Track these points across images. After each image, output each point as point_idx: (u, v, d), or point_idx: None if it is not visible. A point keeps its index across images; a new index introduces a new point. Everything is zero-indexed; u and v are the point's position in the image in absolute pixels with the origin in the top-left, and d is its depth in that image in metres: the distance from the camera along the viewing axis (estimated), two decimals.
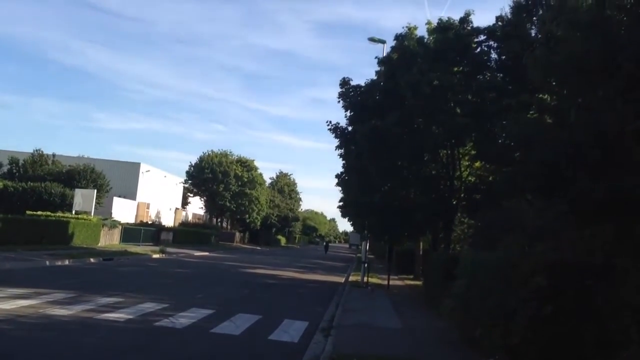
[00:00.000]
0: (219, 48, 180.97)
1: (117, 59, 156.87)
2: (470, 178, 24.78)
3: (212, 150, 75.74)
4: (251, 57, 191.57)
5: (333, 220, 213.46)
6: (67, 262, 24.93)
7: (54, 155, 50.84)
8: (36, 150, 49.79)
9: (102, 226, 40.28)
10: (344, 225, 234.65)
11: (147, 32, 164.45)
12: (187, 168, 74.70)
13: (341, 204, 46.31)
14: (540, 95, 14.43)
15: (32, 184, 41.73)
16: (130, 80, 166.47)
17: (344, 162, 28.02)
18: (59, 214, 37.47)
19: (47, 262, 23.61)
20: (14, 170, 46.79)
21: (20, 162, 47.39)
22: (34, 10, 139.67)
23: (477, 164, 24.09)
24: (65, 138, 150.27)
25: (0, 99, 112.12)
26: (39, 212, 36.16)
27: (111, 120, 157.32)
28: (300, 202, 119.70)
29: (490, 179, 22.89)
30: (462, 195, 23.89)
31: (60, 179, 45.07)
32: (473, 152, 22.91)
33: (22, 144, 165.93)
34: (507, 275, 8.84)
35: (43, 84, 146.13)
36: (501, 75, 20.50)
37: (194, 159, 75.79)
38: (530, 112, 15.55)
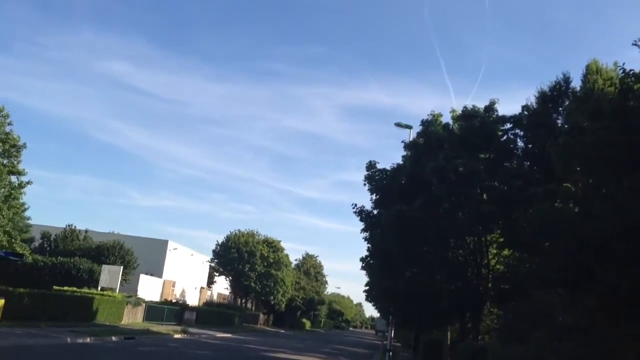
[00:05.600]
0: (249, 129, 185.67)
1: (151, 138, 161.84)
2: (498, 266, 24.23)
3: (239, 230, 76.07)
4: (280, 139, 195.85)
5: (359, 304, 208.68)
6: (88, 340, 24.72)
7: (86, 230, 51.68)
8: (68, 226, 50.73)
9: (126, 304, 40.16)
10: (371, 311, 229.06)
11: (181, 113, 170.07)
12: (214, 247, 74.98)
13: (366, 288, 45.53)
14: (566, 185, 14.30)
15: (61, 259, 42.22)
16: (163, 159, 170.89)
17: (368, 245, 27.81)
18: (85, 289, 37.59)
19: (69, 339, 23.44)
20: (45, 245, 47.56)
21: (52, 237, 48.24)
22: (74, 89, 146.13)
23: (505, 251, 23.61)
24: (98, 214, 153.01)
25: (37, 175, 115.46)
26: (65, 288, 36.33)
27: (143, 198, 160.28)
28: (326, 285, 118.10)
29: (519, 268, 22.36)
30: (489, 284, 23.29)
31: (89, 254, 45.57)
32: (501, 239, 22.52)
33: (57, 220, 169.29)
34: None
35: (79, 161, 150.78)
36: (528, 163, 20.45)
37: (221, 238, 76.11)
38: (557, 201, 15.36)
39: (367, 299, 50.67)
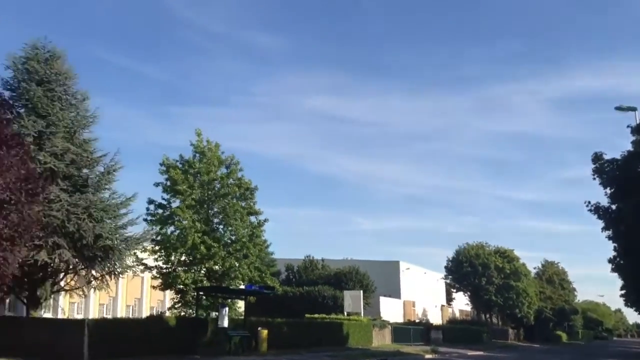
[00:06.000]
0: (455, 139, 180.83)
1: (364, 163, 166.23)
2: None
3: (467, 243, 73.51)
4: (490, 144, 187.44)
5: (619, 311, 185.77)
6: None
7: (322, 260, 54.17)
8: (307, 257, 53.64)
9: (373, 326, 40.64)
10: (635, 316, 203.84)
11: (388, 133, 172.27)
12: (444, 263, 73.32)
13: (623, 292, 39.94)
14: None
15: (306, 288, 44.46)
16: (379, 181, 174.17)
17: (614, 244, 24.61)
18: (333, 315, 38.88)
19: None
20: (290, 276, 50.73)
21: (295, 268, 51.33)
22: (287, 129, 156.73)
23: None
24: (329, 243, 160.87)
25: (270, 213, 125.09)
26: (315, 315, 37.93)
27: (366, 222, 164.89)
28: (575, 293, 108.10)
29: None
30: None
31: (329, 281, 47.43)
32: None
33: (295, 252, 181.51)
34: None
35: (304, 195, 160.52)
36: None
37: (449, 254, 74.27)
38: None
39: (625, 304, 44.91)
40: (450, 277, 72.83)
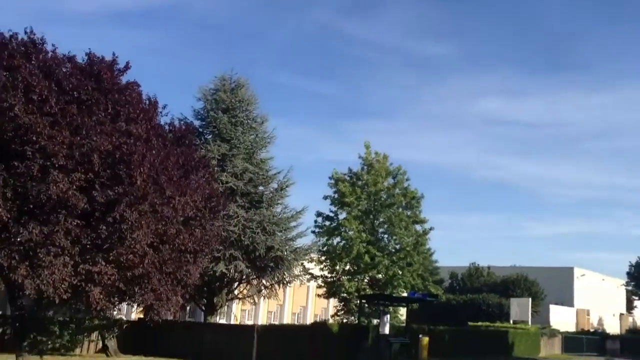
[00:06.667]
0: (637, 134, 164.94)
1: (535, 166, 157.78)
2: None
3: None
4: None
5: None
6: None
7: (488, 267, 53.32)
8: (472, 264, 53.14)
9: (541, 335, 39.40)
10: None
11: (562, 134, 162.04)
12: (626, 269, 67.97)
13: None
14: None
15: (470, 295, 44.23)
16: (551, 184, 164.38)
17: None
18: (497, 323, 38.40)
19: None
20: (454, 284, 50.66)
21: (459, 276, 51.14)
22: (453, 135, 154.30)
23: None
24: (496, 249, 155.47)
25: (436, 220, 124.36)
26: (479, 323, 37.73)
27: (538, 227, 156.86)
28: None
29: None
30: None
31: (495, 289, 46.70)
32: None
33: (459, 259, 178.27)
34: None
35: (470, 201, 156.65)
36: None
37: (632, 258, 68.57)
38: None
39: None
40: (632, 283, 67.54)
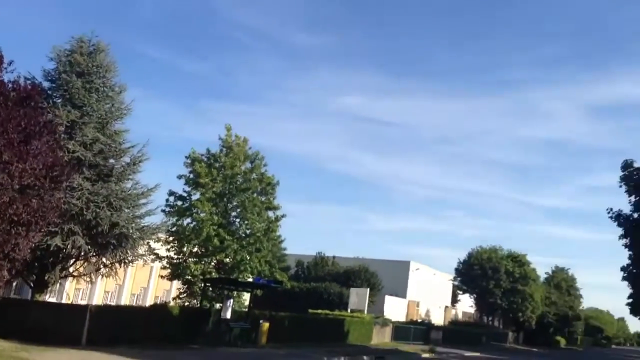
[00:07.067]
0: (482, 143, 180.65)
1: (386, 163, 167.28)
2: None
3: (480, 246, 73.94)
4: (516, 149, 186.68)
5: (622, 319, 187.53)
6: (342, 359, 26.14)
7: (333, 257, 55.33)
8: (318, 253, 54.79)
9: (375, 324, 41.63)
10: (637, 326, 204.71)
11: (414, 135, 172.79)
12: (455, 265, 73.98)
13: (630, 300, 40.78)
14: None
15: (314, 284, 45.60)
16: (399, 182, 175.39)
17: (630, 252, 25.21)
18: (336, 312, 39.94)
19: (325, 359, 25.07)
20: (300, 272, 51.96)
21: (305, 265, 52.51)
22: (313, 127, 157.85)
23: None
24: (343, 240, 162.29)
25: (289, 208, 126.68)
26: (319, 310, 38.99)
27: (383, 221, 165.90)
28: (581, 300, 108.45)
29: None
30: None
31: (338, 279, 48.55)
32: None
33: (308, 248, 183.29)
34: None
35: (323, 192, 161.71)
36: None
37: (462, 255, 74.79)
38: None
39: (631, 312, 45.64)
40: (459, 279, 73.51)
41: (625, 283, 33.04)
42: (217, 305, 28.72)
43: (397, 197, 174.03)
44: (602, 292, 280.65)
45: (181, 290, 29.89)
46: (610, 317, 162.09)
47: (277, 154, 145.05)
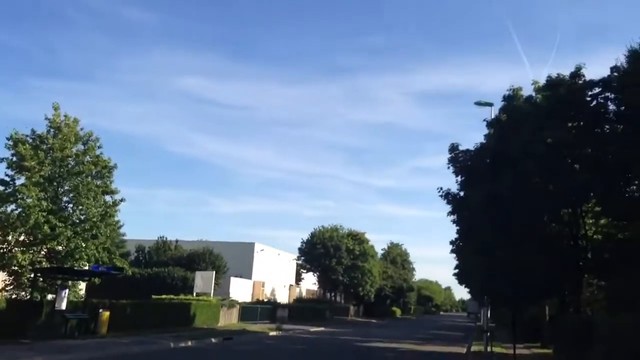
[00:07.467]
0: (321, 127, 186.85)
1: (228, 146, 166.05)
2: (596, 236, 23.23)
3: (322, 226, 76.30)
4: (353, 133, 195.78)
5: (449, 288, 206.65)
6: (189, 344, 25.55)
7: (176, 241, 53.69)
8: (160, 238, 52.78)
9: (221, 306, 41.26)
10: (461, 293, 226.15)
11: (255, 118, 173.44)
12: (299, 245, 75.70)
13: (456, 271, 44.91)
14: None
15: (156, 269, 43.95)
16: (241, 165, 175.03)
17: (457, 228, 27.33)
18: (182, 296, 38.92)
19: (172, 344, 24.30)
20: (141, 258, 49.74)
21: (146, 250, 50.37)
22: (151, 109, 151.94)
23: (603, 220, 22.57)
24: (186, 224, 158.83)
25: (127, 193, 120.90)
26: (163, 296, 37.73)
27: (225, 204, 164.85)
28: (414, 272, 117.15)
29: (620, 236, 21.32)
30: (588, 254, 22.39)
31: (182, 263, 47.26)
32: (597, 208, 21.50)
33: (149, 233, 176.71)
34: None
35: (164, 176, 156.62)
36: (622, 126, 19.32)
37: (305, 236, 76.75)
38: None
39: (458, 282, 49.91)
40: (303, 258, 75.32)
41: (453, 255, 36.20)
42: (50, 297, 26.58)
43: (239, 180, 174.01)
44: (431, 264, 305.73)
45: (7, 282, 27.22)
46: (439, 287, 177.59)
47: (114, 136, 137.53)
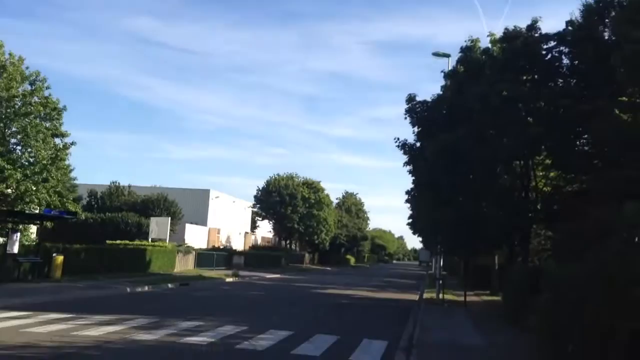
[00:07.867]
0: (277, 74, 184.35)
1: (181, 91, 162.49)
2: (545, 188, 23.96)
3: (278, 174, 76.52)
4: (309, 80, 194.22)
5: (401, 237, 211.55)
6: (146, 289, 25.60)
7: (129, 186, 52.93)
8: (112, 183, 51.98)
9: (177, 252, 41.30)
10: (413, 243, 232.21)
11: (208, 63, 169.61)
12: (254, 193, 75.82)
13: (410, 220, 45.90)
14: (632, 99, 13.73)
15: (110, 214, 43.40)
16: (194, 111, 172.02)
17: (413, 178, 27.73)
18: (137, 242, 38.72)
19: (128, 289, 24.32)
20: (93, 203, 48.93)
21: (99, 195, 49.55)
22: (99, 49, 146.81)
23: (553, 173, 23.27)
24: (138, 169, 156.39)
25: (78, 136, 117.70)
26: (118, 241, 37.46)
27: (179, 150, 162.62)
28: (368, 221, 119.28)
29: (568, 188, 22.04)
30: (538, 206, 23.13)
31: (135, 208, 46.77)
32: (548, 161, 22.14)
33: (100, 178, 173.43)
34: (601, 288, 8.32)
35: (115, 119, 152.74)
36: (575, 80, 19.76)
37: (260, 184, 76.85)
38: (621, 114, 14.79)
39: (412, 232, 51.09)
40: (258, 206, 75.61)
41: (408, 205, 36.92)
42: (1, 240, 26.08)
43: (192, 126, 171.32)
44: (385, 214, 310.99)
45: None
46: (392, 236, 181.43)
47: (62, 77, 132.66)
